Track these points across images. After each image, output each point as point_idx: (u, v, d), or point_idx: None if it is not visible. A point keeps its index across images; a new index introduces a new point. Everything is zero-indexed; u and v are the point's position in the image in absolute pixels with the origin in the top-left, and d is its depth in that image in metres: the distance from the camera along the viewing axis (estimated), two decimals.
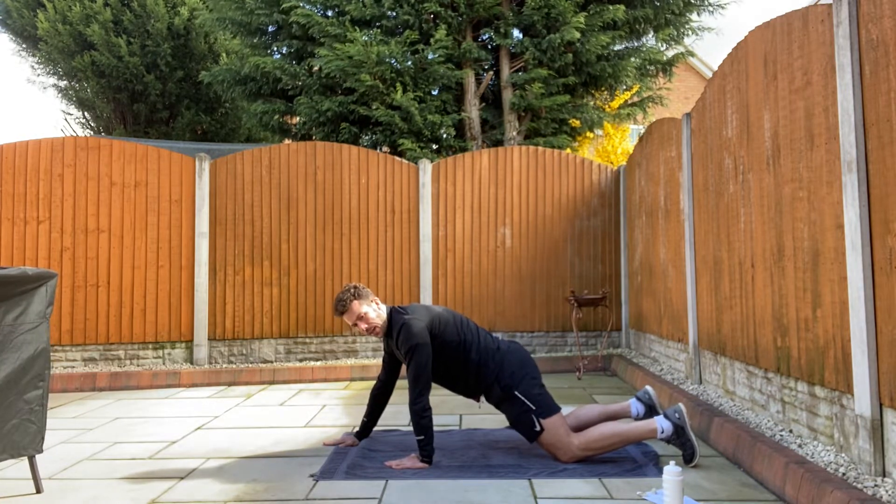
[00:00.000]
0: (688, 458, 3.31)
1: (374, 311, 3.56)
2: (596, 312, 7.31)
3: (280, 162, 6.94)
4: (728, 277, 4.40)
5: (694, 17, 9.73)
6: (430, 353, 3.41)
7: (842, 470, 2.84)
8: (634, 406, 3.72)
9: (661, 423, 3.33)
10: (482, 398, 3.64)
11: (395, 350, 3.61)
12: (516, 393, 3.44)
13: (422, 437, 3.35)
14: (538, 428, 3.39)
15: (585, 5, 8.79)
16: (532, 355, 7.04)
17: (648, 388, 3.74)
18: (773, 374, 3.76)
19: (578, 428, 3.56)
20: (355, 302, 3.52)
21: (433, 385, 5.67)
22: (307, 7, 8.65)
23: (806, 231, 3.36)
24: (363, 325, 3.52)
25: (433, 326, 3.50)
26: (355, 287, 3.56)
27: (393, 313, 3.58)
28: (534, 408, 3.41)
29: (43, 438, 3.01)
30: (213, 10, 9.39)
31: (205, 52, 13.77)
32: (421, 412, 3.34)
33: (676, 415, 3.33)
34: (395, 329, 3.50)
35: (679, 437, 3.32)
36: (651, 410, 3.69)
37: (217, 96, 13.83)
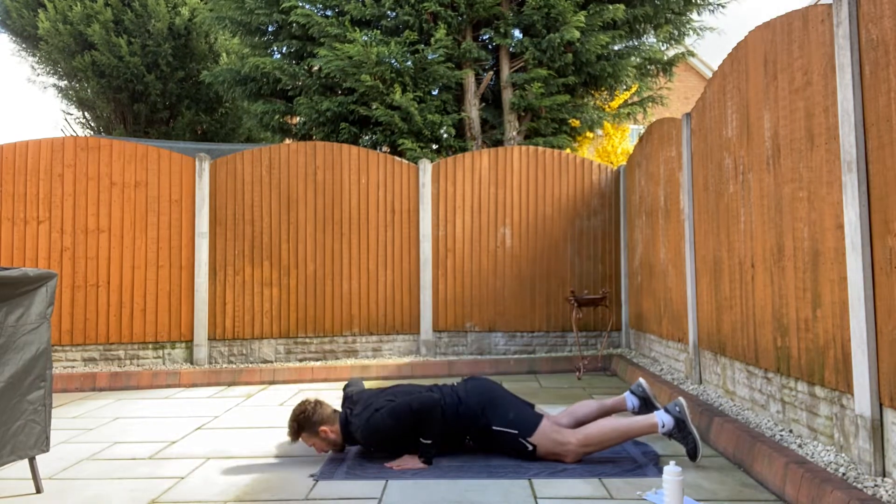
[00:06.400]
0: (691, 454, 3.28)
1: (323, 437, 3.50)
2: (596, 312, 7.31)
3: (280, 162, 6.94)
4: (728, 277, 4.40)
5: (694, 16, 9.73)
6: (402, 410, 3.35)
7: (842, 470, 2.84)
8: (630, 400, 3.71)
9: (661, 418, 3.32)
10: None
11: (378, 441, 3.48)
12: (494, 428, 3.44)
13: (429, 442, 3.36)
14: (530, 448, 3.39)
15: (585, 5, 8.77)
16: (532, 355, 7.04)
17: (641, 380, 3.74)
18: (773, 374, 3.76)
19: (576, 424, 3.56)
20: (304, 434, 3.50)
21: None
22: (307, 7, 8.64)
23: (806, 231, 3.36)
24: (319, 449, 3.55)
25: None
26: (302, 414, 3.47)
27: (347, 421, 3.51)
28: (516, 431, 3.41)
29: (48, 438, 3.01)
30: (213, 9, 9.38)
31: (205, 52, 13.78)
32: (431, 420, 3.35)
33: (677, 408, 3.32)
34: (358, 429, 3.44)
35: (680, 430, 3.30)
36: (646, 403, 3.69)
37: (217, 96, 13.84)
